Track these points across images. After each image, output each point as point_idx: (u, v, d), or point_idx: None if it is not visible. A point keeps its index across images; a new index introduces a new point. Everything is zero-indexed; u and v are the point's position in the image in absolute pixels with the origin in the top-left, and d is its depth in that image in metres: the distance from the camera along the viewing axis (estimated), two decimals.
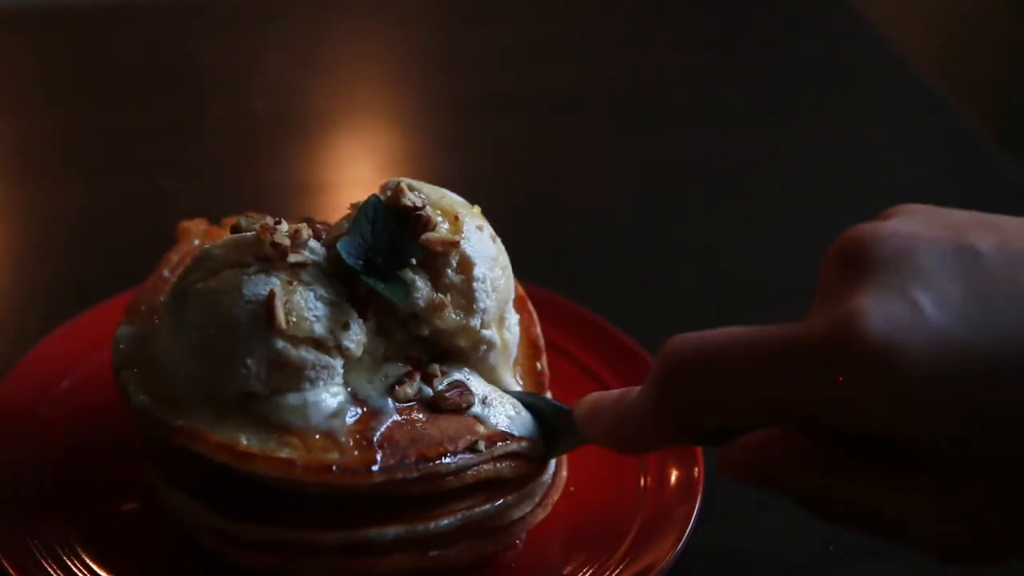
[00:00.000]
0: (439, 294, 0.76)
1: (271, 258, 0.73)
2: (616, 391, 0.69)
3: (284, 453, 0.71)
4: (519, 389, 0.80)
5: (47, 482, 0.82)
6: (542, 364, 0.83)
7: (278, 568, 0.75)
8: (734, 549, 0.83)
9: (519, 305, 0.84)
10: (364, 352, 0.75)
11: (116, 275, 1.00)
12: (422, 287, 0.75)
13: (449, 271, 0.76)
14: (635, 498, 0.82)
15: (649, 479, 0.84)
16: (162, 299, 0.80)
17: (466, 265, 0.77)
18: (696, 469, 0.82)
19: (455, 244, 0.76)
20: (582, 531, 0.81)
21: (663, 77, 1.43)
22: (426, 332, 0.76)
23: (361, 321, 0.74)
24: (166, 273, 0.84)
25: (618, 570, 0.77)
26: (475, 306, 0.77)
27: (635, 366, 0.90)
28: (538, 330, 0.84)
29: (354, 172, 1.30)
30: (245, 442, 0.71)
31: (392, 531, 0.73)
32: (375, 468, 0.71)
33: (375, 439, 0.72)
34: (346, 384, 0.74)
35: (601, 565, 0.78)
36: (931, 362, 0.52)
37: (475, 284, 0.77)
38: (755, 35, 1.53)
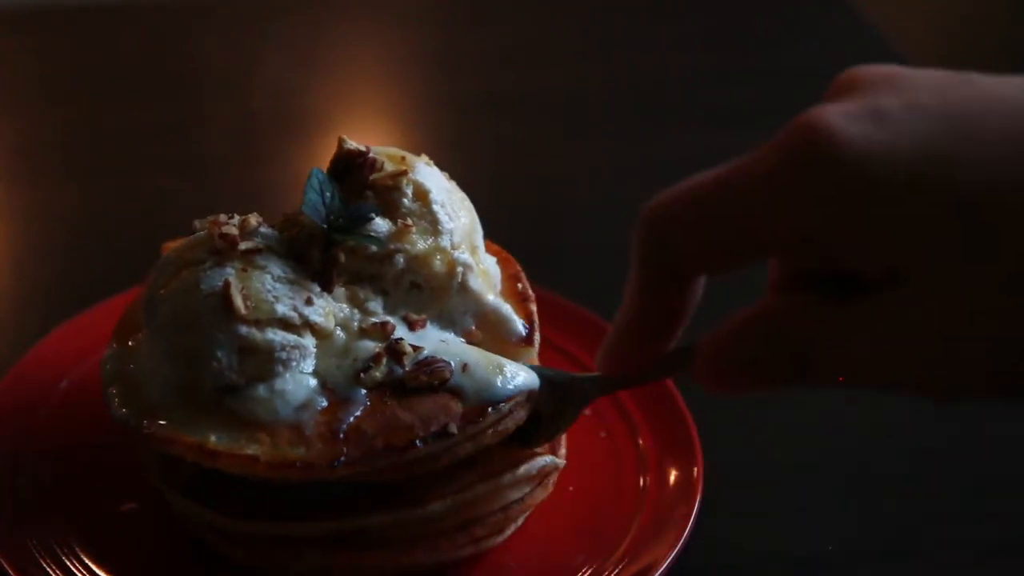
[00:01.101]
0: (400, 220, 0.77)
1: (223, 250, 0.74)
2: None
3: (250, 450, 0.71)
4: (507, 308, 0.80)
5: (46, 482, 0.82)
6: (523, 284, 0.83)
7: (278, 563, 0.75)
8: (733, 549, 0.83)
9: (492, 252, 0.84)
10: (337, 327, 0.75)
11: (116, 275, 1.00)
12: (381, 223, 0.77)
13: (405, 200, 0.78)
14: (634, 498, 0.83)
15: (648, 479, 0.84)
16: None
17: (421, 192, 0.79)
18: (695, 469, 0.82)
19: (403, 172, 0.79)
20: (581, 531, 0.81)
21: (663, 77, 1.43)
22: (401, 264, 0.76)
23: (326, 294, 0.75)
24: None
25: (617, 570, 0.77)
26: (440, 227, 0.78)
27: None
28: (517, 267, 0.85)
29: None
30: (214, 440, 0.71)
31: (380, 517, 0.73)
32: (339, 463, 0.71)
33: (341, 431, 0.72)
34: (316, 372, 0.74)
35: (600, 564, 0.78)
36: (886, 151, 0.50)
37: (434, 207, 0.78)
38: (755, 35, 1.53)
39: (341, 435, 0.72)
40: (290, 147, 1.29)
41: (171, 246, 0.85)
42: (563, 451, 0.81)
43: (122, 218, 1.16)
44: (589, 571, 0.78)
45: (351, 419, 0.72)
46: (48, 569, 0.75)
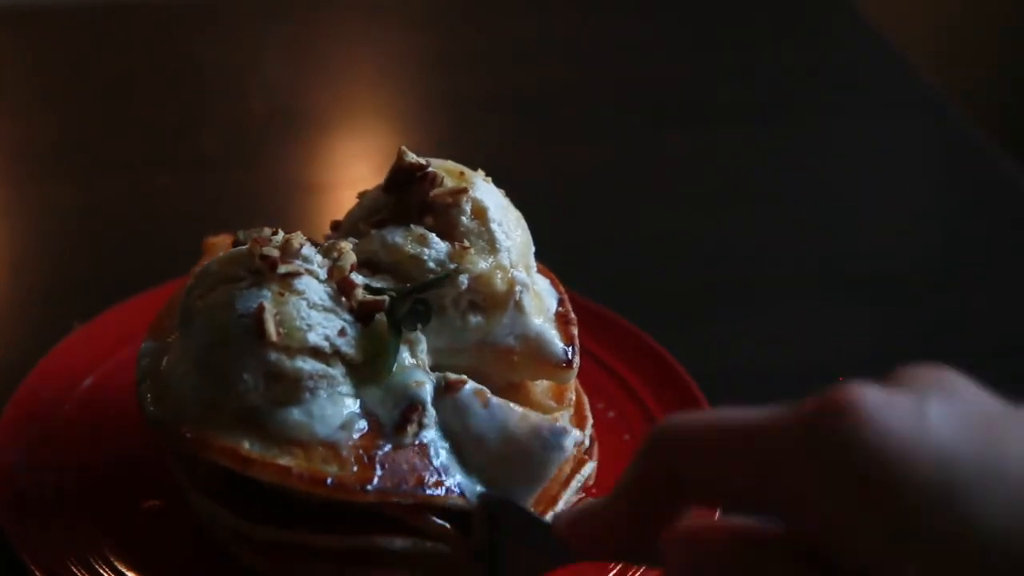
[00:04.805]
0: (458, 242, 0.76)
1: (262, 270, 0.73)
2: None
3: (284, 461, 0.70)
4: (553, 333, 0.79)
5: (70, 481, 0.82)
6: (566, 307, 0.82)
7: (287, 570, 0.74)
8: None
9: (542, 273, 0.83)
10: (378, 356, 0.73)
11: (116, 275, 1.01)
12: (437, 242, 0.76)
13: (463, 219, 0.77)
14: None
15: None
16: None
17: (479, 210, 0.78)
18: None
19: (464, 191, 0.78)
20: None
21: (662, 76, 1.43)
22: (465, 284, 0.75)
23: (360, 325, 0.73)
24: None
25: (641, 570, 0.77)
26: (497, 245, 0.77)
27: (644, 354, 0.93)
28: (562, 289, 0.84)
29: (353, 172, 1.30)
30: (248, 447, 0.71)
31: (400, 542, 0.72)
32: (370, 488, 0.70)
33: (378, 457, 0.71)
34: (359, 395, 0.73)
35: (624, 566, 0.77)
36: (915, 452, 0.48)
37: (492, 225, 0.77)
38: (754, 34, 1.53)
39: (377, 461, 0.71)
40: (289, 147, 1.29)
41: (213, 242, 0.84)
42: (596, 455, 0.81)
43: (122, 218, 1.16)
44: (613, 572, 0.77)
45: (389, 448, 0.71)
46: (72, 568, 0.75)
